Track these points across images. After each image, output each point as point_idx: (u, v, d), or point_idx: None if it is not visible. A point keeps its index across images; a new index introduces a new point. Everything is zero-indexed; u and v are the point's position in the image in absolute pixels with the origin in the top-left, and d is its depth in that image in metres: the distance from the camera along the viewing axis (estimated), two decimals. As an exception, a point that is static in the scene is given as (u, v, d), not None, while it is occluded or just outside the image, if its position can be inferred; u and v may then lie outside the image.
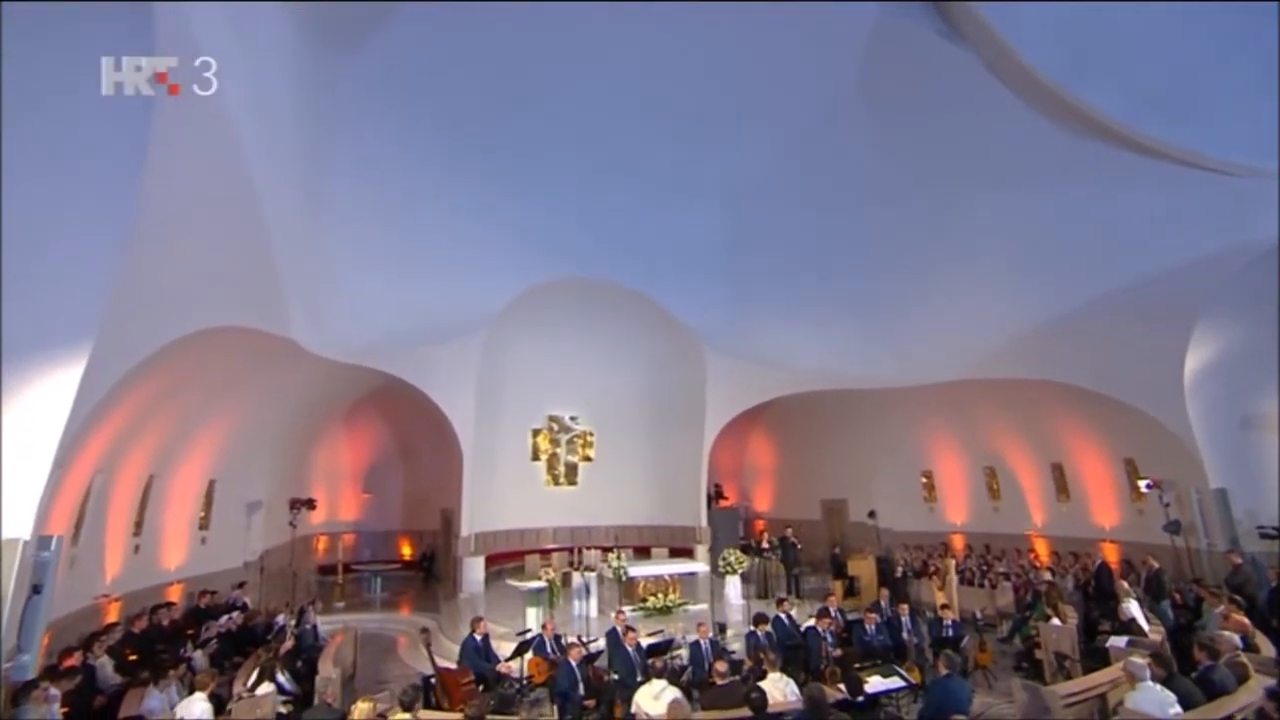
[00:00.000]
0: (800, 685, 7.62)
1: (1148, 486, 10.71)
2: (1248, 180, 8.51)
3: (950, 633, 9.07)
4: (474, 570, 14.60)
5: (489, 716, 5.77)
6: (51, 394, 5.24)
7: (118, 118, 4.64)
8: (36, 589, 5.10)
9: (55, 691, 6.13)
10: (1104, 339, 10.92)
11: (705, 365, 16.07)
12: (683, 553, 16.08)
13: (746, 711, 6.19)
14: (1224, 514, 10.09)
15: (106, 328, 5.34)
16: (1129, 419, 11.31)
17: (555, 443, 17.66)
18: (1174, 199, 9.25)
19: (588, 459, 17.87)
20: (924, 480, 16.41)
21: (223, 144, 5.86)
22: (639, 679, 7.85)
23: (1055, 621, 8.72)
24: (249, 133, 5.98)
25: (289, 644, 8.32)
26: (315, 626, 9.93)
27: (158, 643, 8.71)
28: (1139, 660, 5.98)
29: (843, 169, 12.30)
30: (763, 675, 7.60)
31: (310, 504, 14.10)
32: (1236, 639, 6.83)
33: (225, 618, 9.43)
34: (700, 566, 13.48)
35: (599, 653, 8.61)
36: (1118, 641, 7.77)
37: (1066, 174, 10.03)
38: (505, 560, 16.08)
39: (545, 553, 15.84)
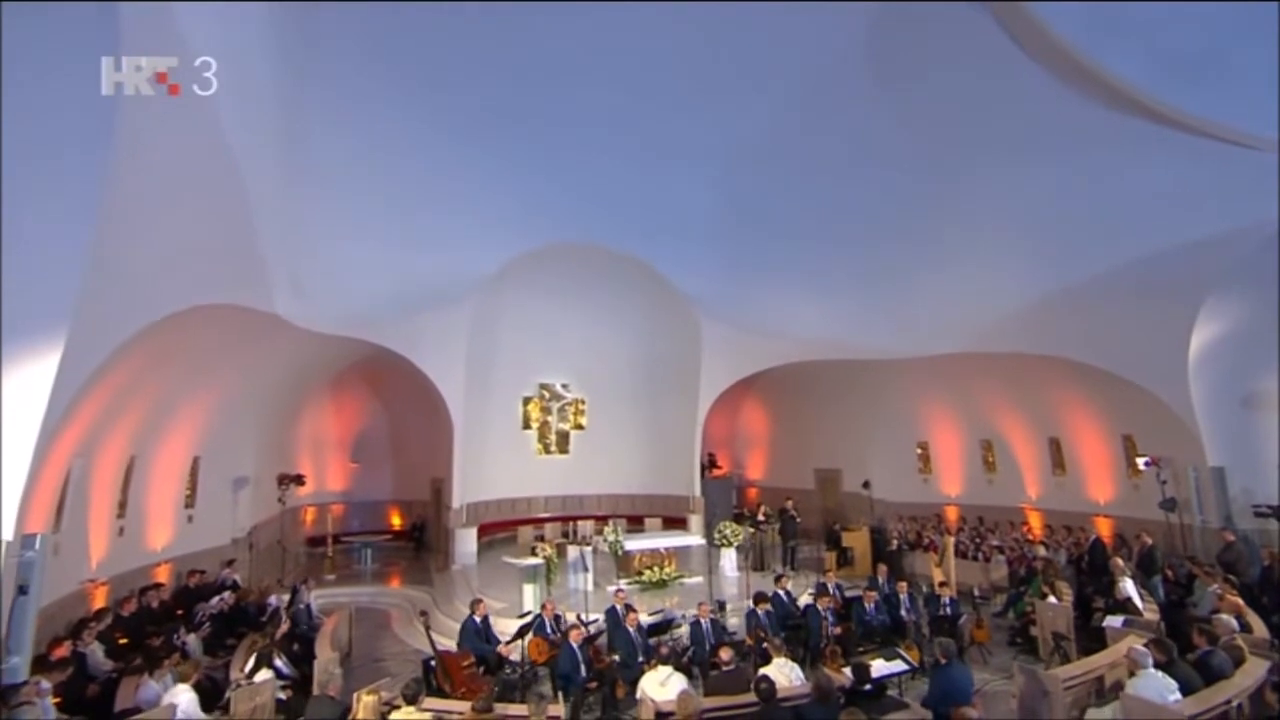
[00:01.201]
0: (801, 663, 7.85)
1: (1146, 464, 10.90)
2: (1268, 155, 8.38)
3: (948, 610, 9.30)
4: (466, 542, 14.68)
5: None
6: (26, 388, 5.01)
7: (84, 97, 4.29)
8: (23, 589, 4.98)
9: (46, 685, 6.06)
10: (1109, 315, 10.93)
11: (700, 333, 15.98)
12: (676, 522, 16.28)
13: (751, 697, 6.34)
14: (1220, 492, 10.34)
15: (80, 316, 5.09)
16: (1129, 395, 11.44)
17: (546, 411, 17.61)
18: (1189, 173, 9.11)
19: (579, 427, 17.87)
20: (919, 452, 16.63)
21: (196, 113, 5.49)
22: (640, 659, 8.01)
23: (1052, 600, 8.95)
24: (223, 99, 5.61)
25: (284, 627, 8.30)
26: (309, 606, 9.95)
27: (148, 625, 8.70)
28: (1141, 648, 6.14)
29: (845, 135, 11.95)
30: (767, 660, 7.78)
31: (299, 480, 14.01)
32: (1234, 623, 7.04)
33: (216, 599, 9.41)
34: (696, 540, 13.62)
35: (600, 633, 8.72)
36: (1114, 622, 7.99)
37: (1079, 143, 9.82)
38: (497, 530, 16.19)
39: (537, 522, 15.98)
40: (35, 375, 5.06)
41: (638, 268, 15.11)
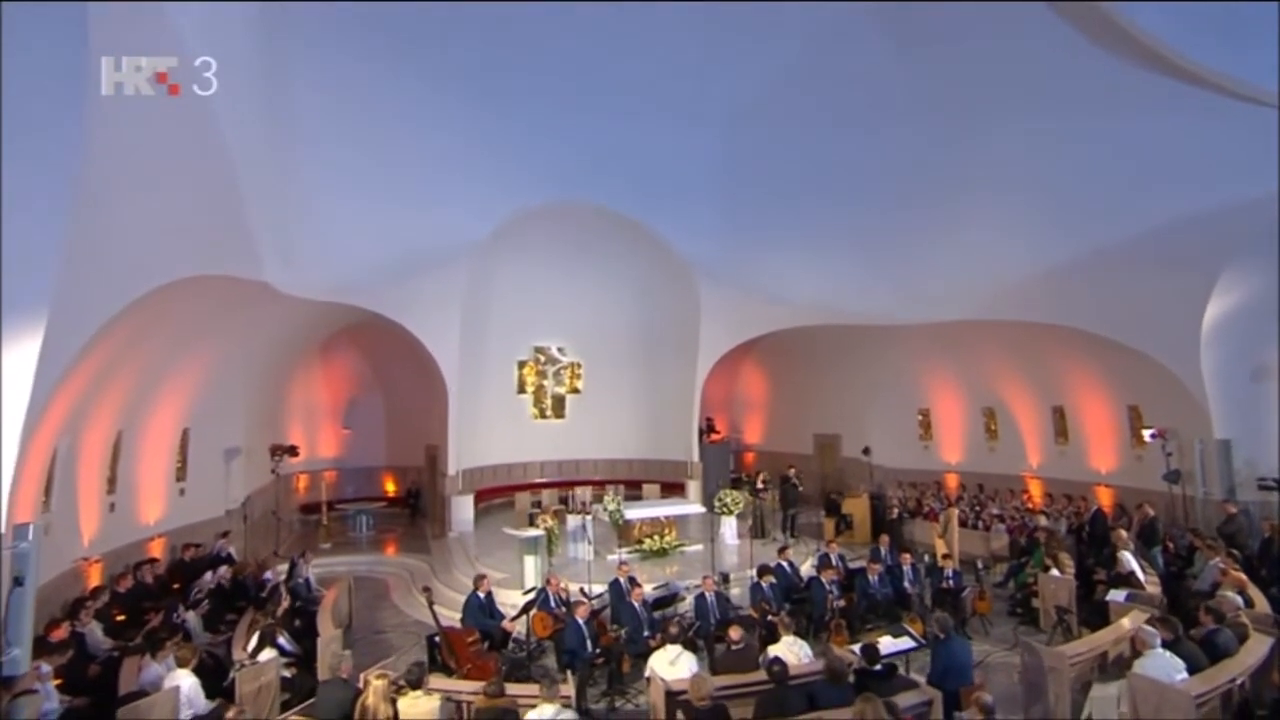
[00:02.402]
0: (804, 635, 8.00)
1: (1152, 436, 11.00)
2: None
3: (951, 582, 9.45)
4: (463, 509, 14.74)
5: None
6: (8, 377, 4.82)
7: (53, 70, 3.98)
8: (18, 581, 4.90)
9: (47, 668, 6.07)
10: (1122, 284, 10.85)
11: (699, 296, 15.79)
12: (674, 488, 16.42)
13: (760, 675, 6.45)
14: (1225, 464, 10.47)
15: (60, 301, 4.87)
16: (1137, 366, 11.45)
17: (542, 375, 17.53)
18: (1214, 137, 8.88)
19: (575, 391, 17.83)
20: (920, 418, 16.73)
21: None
22: (646, 633, 8.13)
23: (1054, 572, 9.11)
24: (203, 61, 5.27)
25: (285, 604, 8.33)
26: (308, 580, 10.00)
27: (144, 601, 8.71)
28: (1150, 628, 6.26)
29: (853, 93, 11.60)
30: (773, 634, 7.90)
31: (292, 451, 13.92)
32: (1239, 600, 7.18)
33: (210, 574, 9.40)
34: (697, 508, 13.74)
35: (604, 607, 8.82)
36: (1117, 596, 8.14)
37: (1100, 106, 9.54)
38: (493, 496, 16.28)
39: (534, 488, 16.05)
40: (16, 363, 4.88)
41: (635, 229, 14.83)
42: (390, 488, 18.09)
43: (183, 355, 9.64)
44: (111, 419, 8.57)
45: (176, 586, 9.26)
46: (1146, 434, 11.18)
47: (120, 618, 8.09)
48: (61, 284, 4.85)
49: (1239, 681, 6.14)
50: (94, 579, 8.30)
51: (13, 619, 4.86)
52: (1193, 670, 6.02)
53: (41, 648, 6.26)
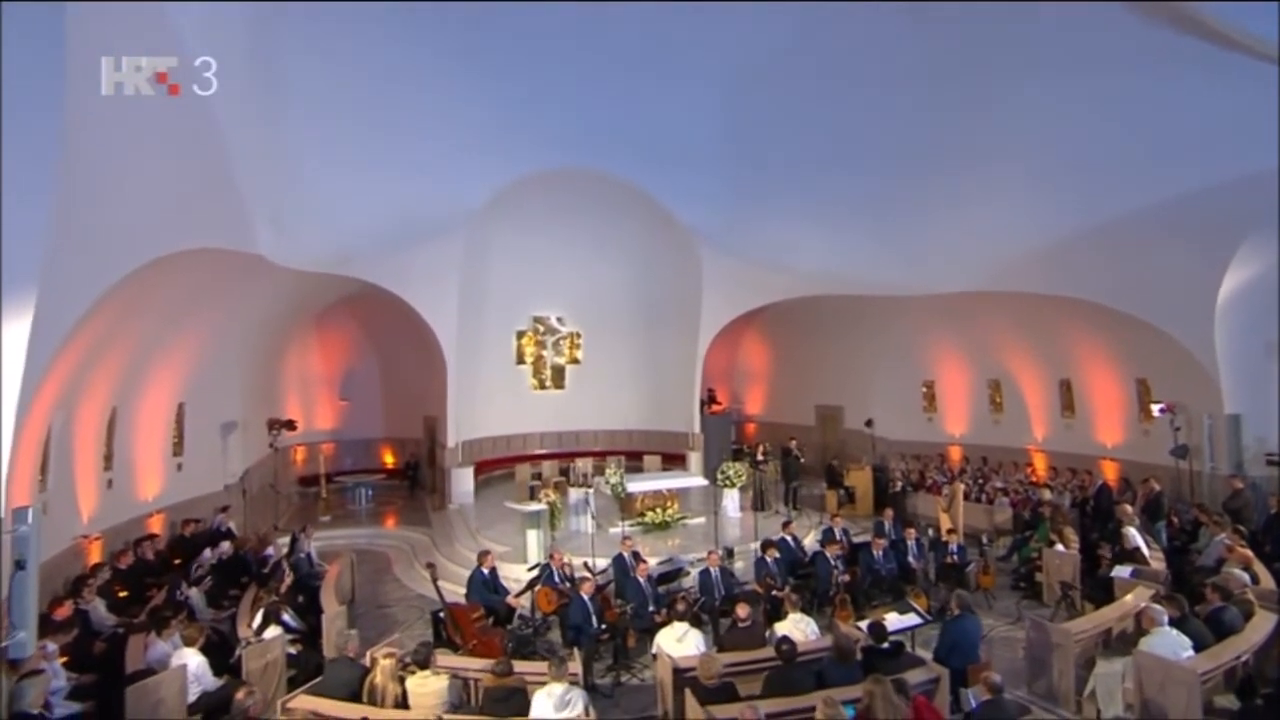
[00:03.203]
0: (808, 611, 8.11)
1: (1161, 410, 11.01)
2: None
3: (955, 557, 9.56)
4: (463, 481, 14.79)
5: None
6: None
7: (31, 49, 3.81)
8: (20, 564, 4.88)
9: (52, 646, 6.16)
10: (1136, 256, 10.73)
11: (701, 265, 15.67)
12: (675, 459, 16.50)
13: (767, 652, 6.54)
14: (1234, 439, 10.51)
15: (48, 281, 4.75)
16: (1147, 339, 11.41)
17: (541, 345, 17.48)
18: (1237, 104, 8.66)
19: (575, 361, 17.81)
20: (924, 390, 16.74)
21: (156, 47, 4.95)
22: (651, 609, 8.23)
23: (1059, 548, 9.20)
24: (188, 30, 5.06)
25: (288, 580, 8.39)
26: (310, 555, 10.05)
27: (146, 577, 8.77)
28: (1158, 606, 6.34)
29: (862, 56, 11.21)
30: (778, 609, 8.01)
31: (290, 425, 13.89)
32: (1245, 577, 7.26)
33: (210, 550, 9.45)
34: (699, 480, 13.81)
35: (609, 582, 8.90)
36: (1122, 572, 8.24)
37: (1115, 68, 9.24)
38: (493, 467, 16.36)
39: (534, 459, 16.11)
40: (7, 344, 4.78)
41: (636, 196, 14.61)
42: (389, 460, 18.15)
43: (176, 329, 9.54)
44: (105, 395, 8.50)
45: (177, 562, 9.32)
46: (1155, 408, 11.19)
47: (123, 594, 8.15)
48: (50, 262, 4.73)
49: (1243, 658, 6.25)
50: (94, 556, 8.33)
51: (16, 602, 4.85)
52: (1199, 648, 6.13)
53: (46, 626, 6.29)
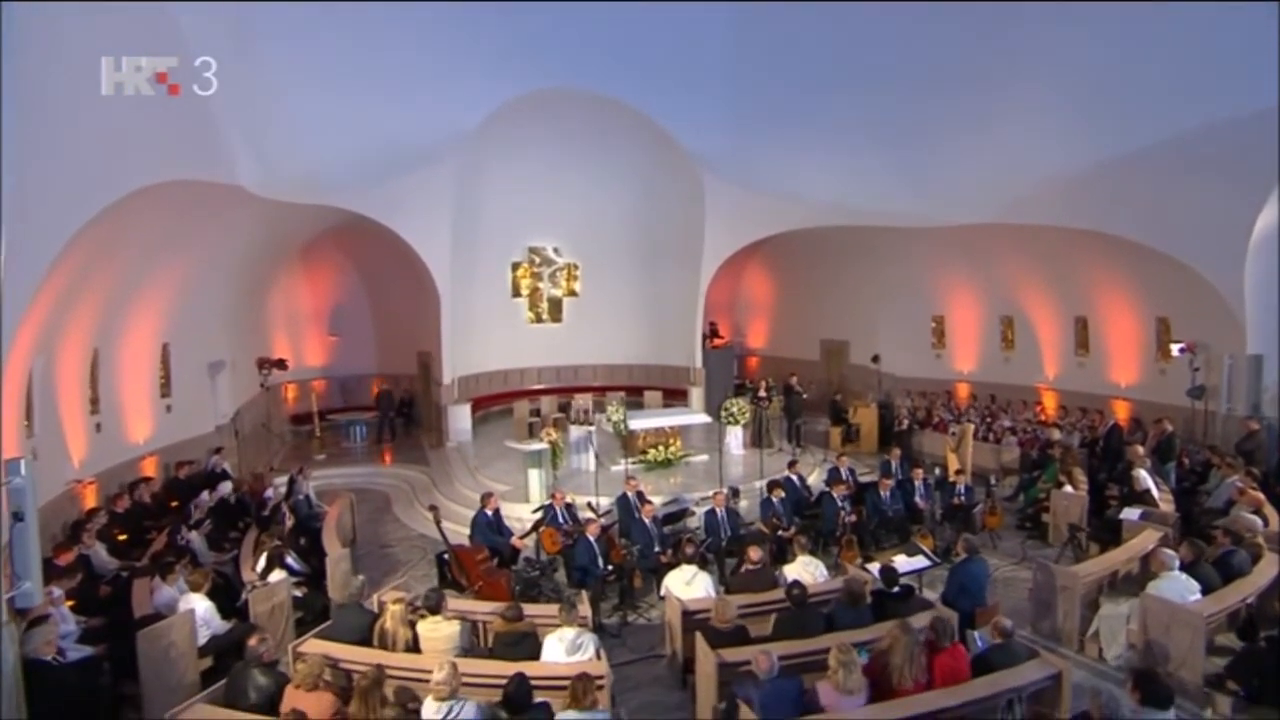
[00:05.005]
0: (814, 552, 8.31)
1: (1181, 350, 11.00)
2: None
3: (963, 498, 9.74)
4: (460, 419, 14.85)
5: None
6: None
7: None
8: (18, 516, 4.88)
9: (59, 592, 6.29)
10: (1164, 189, 10.47)
11: (704, 193, 15.26)
12: (676, 394, 16.58)
13: (776, 594, 6.73)
14: (1254, 380, 10.55)
15: (10, 230, 4.52)
16: (1171, 276, 11.28)
17: (537, 277, 17.23)
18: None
19: (573, 294, 17.62)
20: (934, 325, 16.69)
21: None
22: (657, 549, 8.42)
23: (1068, 489, 9.37)
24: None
25: (289, 523, 8.51)
26: (309, 496, 10.18)
27: (144, 519, 8.90)
28: (1170, 551, 6.49)
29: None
30: (784, 549, 8.20)
31: (281, 364, 13.80)
32: (1258, 522, 7.41)
33: (206, 493, 9.54)
34: (702, 417, 13.88)
35: (613, 523, 9.06)
36: (1131, 514, 8.41)
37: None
38: (490, 403, 16.42)
39: (532, 395, 16.16)
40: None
41: (636, 119, 14.06)
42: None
43: (156, 267, 9.31)
44: (86, 338, 8.37)
45: (174, 505, 9.44)
46: (1174, 348, 11.18)
47: (122, 537, 8.28)
48: (14, 203, 4.49)
49: (1247, 600, 6.46)
50: (89, 500, 8.40)
51: (18, 552, 4.86)
52: (1206, 591, 6.32)
53: (50, 572, 6.40)
